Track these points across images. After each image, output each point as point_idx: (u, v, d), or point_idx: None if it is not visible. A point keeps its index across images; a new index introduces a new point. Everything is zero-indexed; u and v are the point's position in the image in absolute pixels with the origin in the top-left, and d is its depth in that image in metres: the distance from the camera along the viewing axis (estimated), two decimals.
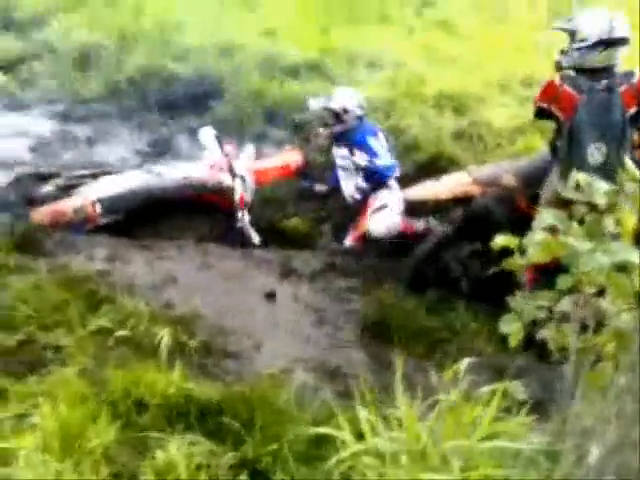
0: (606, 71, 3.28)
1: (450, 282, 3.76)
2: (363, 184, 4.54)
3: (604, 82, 3.25)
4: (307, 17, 8.34)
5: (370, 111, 5.70)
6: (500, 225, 3.49)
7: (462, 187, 3.72)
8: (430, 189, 3.91)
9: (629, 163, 1.79)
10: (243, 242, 4.40)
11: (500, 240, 1.73)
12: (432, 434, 1.61)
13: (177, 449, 2.27)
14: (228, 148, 4.67)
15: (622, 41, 3.25)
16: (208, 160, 4.63)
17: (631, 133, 3.29)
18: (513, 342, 1.65)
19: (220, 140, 4.65)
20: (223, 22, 8.02)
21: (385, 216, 4.42)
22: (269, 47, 7.20)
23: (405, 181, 4.77)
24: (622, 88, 3.27)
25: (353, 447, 1.75)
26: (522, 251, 1.67)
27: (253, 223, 4.49)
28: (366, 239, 4.52)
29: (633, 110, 3.25)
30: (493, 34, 8.79)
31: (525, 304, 1.65)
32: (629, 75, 3.33)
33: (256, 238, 4.43)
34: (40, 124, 6.36)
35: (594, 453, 1.26)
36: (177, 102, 6.64)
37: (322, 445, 2.29)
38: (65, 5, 8.85)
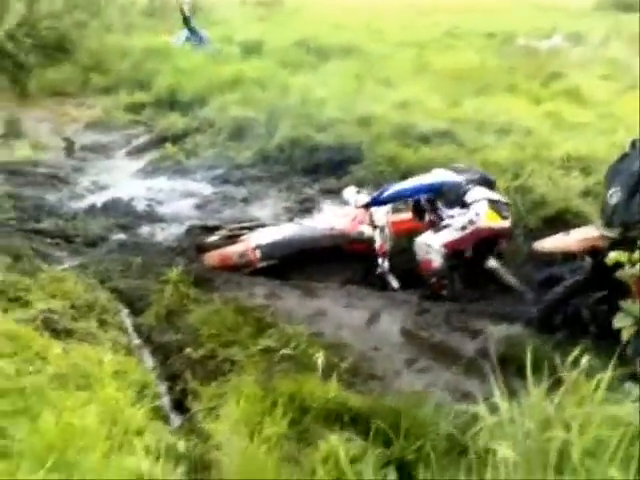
0: None
1: (578, 325, 4.01)
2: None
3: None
4: (438, 90, 8.96)
5: (499, 173, 6.11)
6: None
7: (591, 241, 3.97)
8: (560, 242, 4.16)
9: None
10: (383, 286, 4.89)
11: (613, 255, 2.11)
12: (556, 405, 1.99)
13: (336, 441, 2.73)
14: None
15: None
16: (351, 214, 5.21)
17: None
18: (626, 335, 2.01)
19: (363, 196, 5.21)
20: (360, 97, 8.82)
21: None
22: (403, 118, 7.82)
23: (532, 235, 5.09)
24: None
25: (489, 420, 2.14)
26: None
27: (392, 270, 4.97)
28: None
29: None
30: (621, 102, 8.98)
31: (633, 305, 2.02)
32: None
33: (395, 283, 4.90)
34: (203, 187, 7.30)
35: None
36: (320, 167, 7.38)
37: (459, 444, 2.67)
38: (221, 86, 10.05)
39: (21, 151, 8.12)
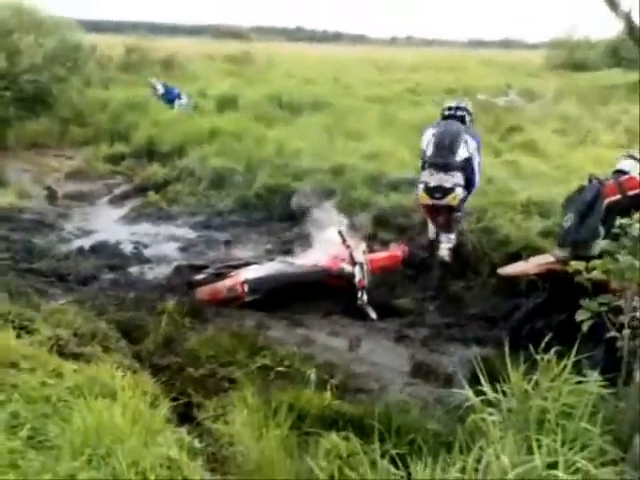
0: None
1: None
2: None
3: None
4: (404, 142, 9.56)
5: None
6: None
7: (547, 265, 4.48)
8: (521, 266, 4.70)
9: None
10: (362, 317, 5.26)
11: (574, 263, 2.56)
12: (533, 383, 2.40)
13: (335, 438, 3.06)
14: (349, 242, 5.65)
15: None
16: (332, 251, 5.62)
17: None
18: (585, 327, 2.44)
19: (343, 236, 5.63)
20: (333, 149, 9.38)
21: None
22: (373, 168, 8.35)
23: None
24: (609, 181, 4.24)
25: (474, 400, 2.52)
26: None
27: (370, 302, 5.36)
28: None
29: (616, 197, 4.15)
30: (573, 154, 9.73)
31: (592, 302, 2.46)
32: (618, 174, 4.31)
33: (373, 314, 5.27)
34: (186, 232, 7.65)
35: None
36: (296, 213, 7.82)
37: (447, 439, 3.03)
38: (200, 139, 10.53)
39: (6, 198, 8.37)
